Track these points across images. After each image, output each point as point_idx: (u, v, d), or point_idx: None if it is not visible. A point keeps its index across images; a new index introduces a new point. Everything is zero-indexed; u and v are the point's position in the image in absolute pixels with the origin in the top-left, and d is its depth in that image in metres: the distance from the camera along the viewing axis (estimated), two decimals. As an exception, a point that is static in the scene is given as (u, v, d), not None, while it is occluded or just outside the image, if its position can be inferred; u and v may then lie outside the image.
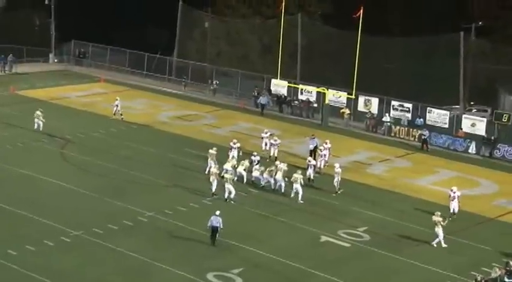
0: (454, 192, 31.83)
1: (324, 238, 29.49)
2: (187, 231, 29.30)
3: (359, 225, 30.95)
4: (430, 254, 28.77)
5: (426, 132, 43.94)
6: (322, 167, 36.63)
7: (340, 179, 34.20)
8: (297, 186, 32.88)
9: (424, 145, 43.65)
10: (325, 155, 37.18)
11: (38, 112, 42.75)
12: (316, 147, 38.59)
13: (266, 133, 39.99)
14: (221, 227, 27.71)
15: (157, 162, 37.89)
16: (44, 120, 42.50)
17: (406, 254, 28.46)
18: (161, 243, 28.35)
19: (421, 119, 45.94)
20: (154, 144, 41.10)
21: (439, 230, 29.12)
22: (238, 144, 37.47)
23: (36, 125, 42.41)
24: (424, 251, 29.01)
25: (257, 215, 31.58)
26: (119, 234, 28.80)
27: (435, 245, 29.15)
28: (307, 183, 34.50)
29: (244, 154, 37.47)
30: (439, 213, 29.64)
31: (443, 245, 29.17)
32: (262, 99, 50.17)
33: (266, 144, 39.47)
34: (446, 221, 29.65)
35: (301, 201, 32.84)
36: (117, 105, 46.26)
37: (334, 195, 33.95)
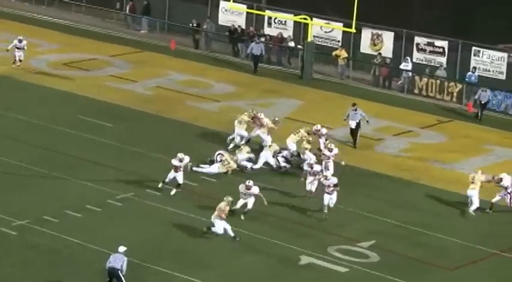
0: None
1: (305, 259, 29.85)
2: (83, 252, 29.34)
3: (362, 239, 31.42)
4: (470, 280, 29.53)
5: (488, 92, 44.12)
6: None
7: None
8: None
9: (479, 113, 43.98)
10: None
11: None
12: (358, 125, 38.90)
13: (320, 130, 37.88)
14: (123, 272, 26.88)
15: (31, 138, 37.95)
16: None
17: (436, 283, 29.21)
18: (38, 270, 28.24)
19: (475, 74, 46.12)
20: (26, 108, 41.09)
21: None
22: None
23: None
24: (463, 276, 29.64)
25: (201, 224, 31.51)
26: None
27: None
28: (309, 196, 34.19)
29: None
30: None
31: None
32: (255, 48, 49.22)
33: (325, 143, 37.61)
34: None
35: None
36: (22, 48, 46.19)
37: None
